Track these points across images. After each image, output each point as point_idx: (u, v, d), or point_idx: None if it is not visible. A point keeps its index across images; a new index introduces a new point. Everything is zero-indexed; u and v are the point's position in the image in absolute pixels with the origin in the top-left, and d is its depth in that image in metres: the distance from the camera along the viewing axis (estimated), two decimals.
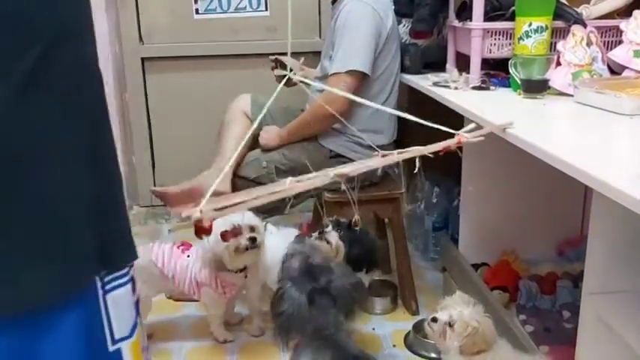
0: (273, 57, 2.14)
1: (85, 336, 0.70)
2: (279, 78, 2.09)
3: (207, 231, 0.73)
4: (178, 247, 1.86)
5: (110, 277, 0.74)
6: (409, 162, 2.20)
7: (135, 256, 0.80)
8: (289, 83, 2.21)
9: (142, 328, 0.85)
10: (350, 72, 1.85)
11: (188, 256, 1.84)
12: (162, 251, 1.83)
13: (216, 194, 2.19)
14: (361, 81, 1.88)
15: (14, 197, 0.63)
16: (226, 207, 0.69)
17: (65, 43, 0.66)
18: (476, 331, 1.34)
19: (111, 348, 0.74)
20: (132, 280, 0.79)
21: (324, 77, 1.97)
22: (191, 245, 1.88)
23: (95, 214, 0.70)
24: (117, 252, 0.75)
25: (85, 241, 0.69)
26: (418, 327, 1.84)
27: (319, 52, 2.20)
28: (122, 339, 0.75)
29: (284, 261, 1.47)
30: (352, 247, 1.66)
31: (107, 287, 0.73)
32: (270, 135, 2.03)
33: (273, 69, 2.09)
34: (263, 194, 0.69)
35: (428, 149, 0.90)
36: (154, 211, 2.69)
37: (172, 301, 2.13)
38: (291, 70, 2.14)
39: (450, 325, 1.37)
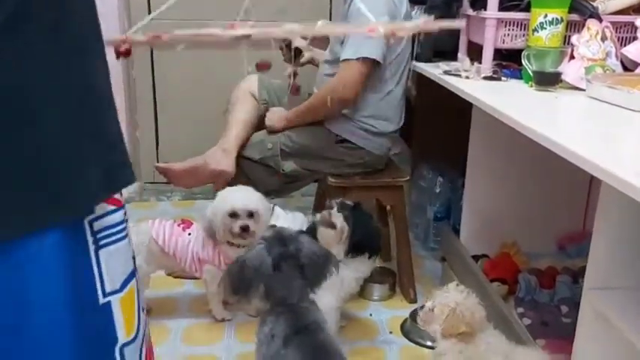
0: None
1: (72, 279, 0.70)
2: (288, 58, 2.07)
3: (125, 54, 0.84)
4: (179, 225, 1.86)
5: (104, 232, 0.73)
6: (414, 150, 2.21)
7: (132, 180, 0.79)
8: (297, 64, 2.21)
9: (140, 288, 0.85)
10: (362, 59, 1.83)
11: (189, 233, 1.84)
12: (162, 228, 1.83)
13: (220, 174, 2.21)
14: (373, 68, 1.86)
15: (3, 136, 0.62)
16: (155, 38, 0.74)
17: None
18: (453, 312, 1.35)
19: (101, 300, 0.74)
20: (129, 237, 0.79)
21: (334, 61, 1.96)
22: (192, 223, 1.88)
23: (90, 149, 0.70)
24: (113, 177, 0.74)
25: (74, 171, 0.68)
26: (415, 315, 1.84)
27: (329, 37, 2.18)
28: (112, 292, 0.75)
29: None
30: (356, 231, 1.66)
31: (101, 242, 0.73)
32: (275, 117, 2.02)
33: (281, 49, 2.07)
34: (188, 35, 0.74)
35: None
36: (156, 188, 2.69)
37: (171, 278, 2.13)
38: (299, 52, 2.14)
39: (432, 310, 1.40)
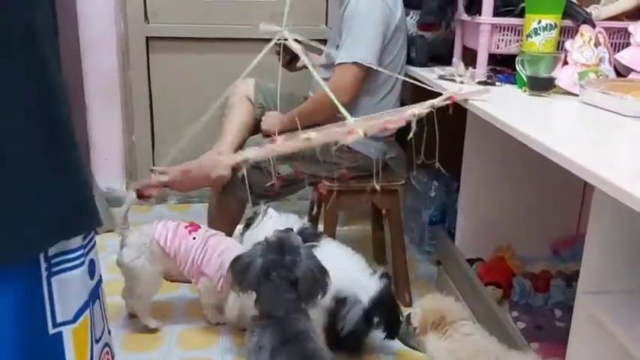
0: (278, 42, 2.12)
1: (19, 312, 0.68)
2: (285, 62, 2.08)
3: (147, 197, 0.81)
4: (186, 227, 1.84)
5: (59, 258, 0.70)
6: (410, 153, 2.20)
7: (94, 225, 0.76)
8: (293, 68, 2.21)
9: (101, 321, 0.82)
10: (356, 63, 1.84)
11: (194, 237, 1.82)
12: (166, 230, 1.82)
13: (216, 178, 2.19)
14: (366, 72, 1.87)
15: None
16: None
17: None
18: (422, 311, 1.42)
19: (51, 331, 0.71)
20: (89, 263, 0.75)
21: (329, 65, 1.96)
22: (199, 227, 1.87)
23: (45, 181, 0.67)
24: (74, 221, 0.72)
25: (28, 211, 0.66)
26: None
27: (325, 41, 2.19)
28: (64, 323, 0.72)
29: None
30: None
31: (54, 269, 0.70)
32: (272, 121, 2.02)
33: (277, 53, 2.08)
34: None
35: (421, 107, 0.97)
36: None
37: (167, 282, 2.13)
38: (295, 56, 2.15)
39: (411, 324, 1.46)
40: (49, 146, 0.68)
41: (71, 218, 0.72)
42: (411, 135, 1.22)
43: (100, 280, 0.82)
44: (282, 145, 1.22)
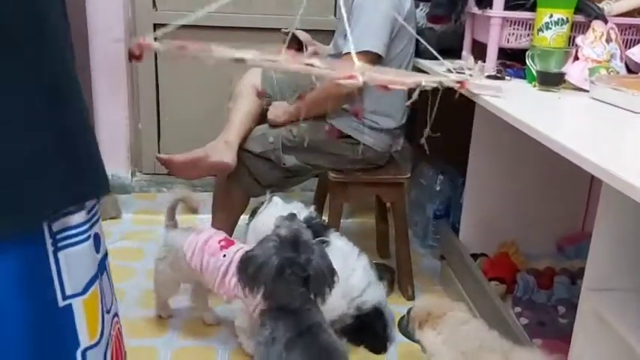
0: (285, 30, 2.12)
1: (26, 286, 0.68)
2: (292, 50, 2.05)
3: (138, 58, 0.79)
4: (219, 242, 1.67)
5: (64, 234, 0.71)
6: (415, 147, 2.18)
7: (99, 191, 0.76)
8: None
9: (110, 292, 0.83)
10: (364, 52, 1.83)
11: (224, 255, 1.63)
12: (195, 242, 1.68)
13: (221, 167, 2.18)
14: (375, 62, 1.86)
15: None
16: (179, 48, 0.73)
17: None
18: (412, 312, 1.47)
19: (61, 303, 0.72)
20: (94, 237, 0.76)
21: (337, 55, 1.95)
22: (233, 243, 1.69)
23: (52, 152, 0.68)
24: (75, 188, 0.72)
25: (29, 183, 0.66)
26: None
27: (333, 31, 2.18)
28: (74, 295, 0.73)
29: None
30: None
31: (60, 244, 0.71)
32: (278, 111, 2.01)
33: (284, 42, 2.06)
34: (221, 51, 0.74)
35: (428, 78, 0.94)
36: (157, 179, 2.68)
37: None
38: (302, 46, 2.14)
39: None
40: (50, 110, 0.68)
41: (72, 185, 0.71)
42: (408, 102, 1.21)
43: (105, 254, 0.83)
44: (285, 60, 1.18)
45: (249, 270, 1.32)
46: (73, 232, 0.72)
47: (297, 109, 1.96)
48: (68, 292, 0.72)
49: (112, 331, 0.83)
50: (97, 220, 0.78)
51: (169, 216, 1.79)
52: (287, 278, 1.30)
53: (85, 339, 0.75)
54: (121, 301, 1.99)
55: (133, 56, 1.19)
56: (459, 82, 1.31)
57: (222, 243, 1.67)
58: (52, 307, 0.71)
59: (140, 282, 2.08)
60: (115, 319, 0.86)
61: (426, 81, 1.21)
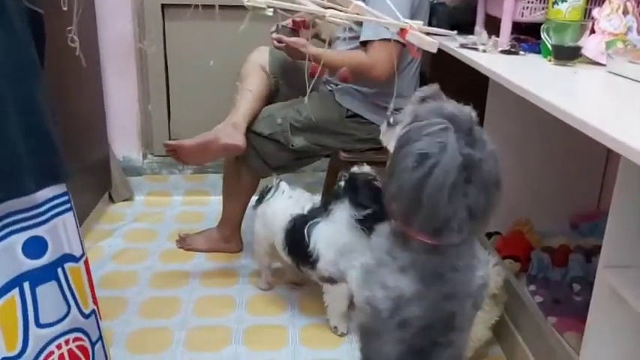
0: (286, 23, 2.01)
1: None
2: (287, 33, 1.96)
3: None
4: None
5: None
6: None
7: (13, 191, 0.70)
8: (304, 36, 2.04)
9: (61, 306, 0.75)
10: (385, 40, 1.78)
11: None
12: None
13: (231, 148, 2.15)
14: (400, 50, 1.81)
15: None
16: None
17: None
18: None
19: None
20: (25, 241, 0.71)
21: (352, 39, 1.91)
22: None
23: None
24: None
25: None
26: None
27: None
28: None
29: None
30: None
31: None
32: (303, 41, 1.84)
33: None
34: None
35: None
36: (168, 161, 2.68)
37: (183, 251, 2.14)
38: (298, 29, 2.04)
39: None
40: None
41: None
42: None
43: (61, 260, 0.76)
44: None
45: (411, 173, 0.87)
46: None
47: (319, 54, 1.82)
48: None
49: (52, 349, 0.75)
50: (17, 222, 0.72)
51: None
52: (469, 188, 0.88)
53: (2, 348, 0.69)
54: (133, 283, 2.03)
55: None
56: (401, 30, 1.25)
57: None
58: None
59: (153, 263, 2.10)
60: (69, 336, 0.78)
61: (332, 15, 1.13)
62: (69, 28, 1.01)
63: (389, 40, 1.76)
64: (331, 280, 1.67)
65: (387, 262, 0.98)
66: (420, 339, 0.98)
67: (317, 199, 1.84)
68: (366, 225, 1.58)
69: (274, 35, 1.86)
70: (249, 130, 1.96)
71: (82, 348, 0.80)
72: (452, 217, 0.89)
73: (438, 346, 0.99)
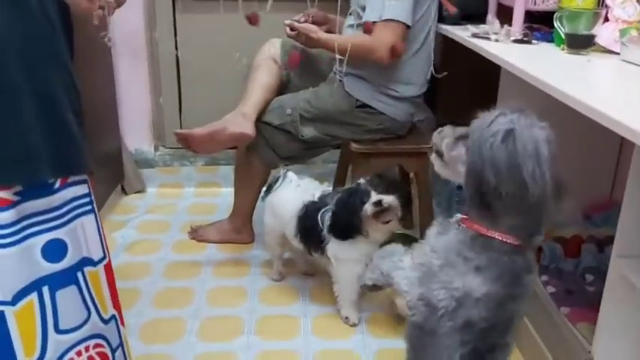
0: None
1: None
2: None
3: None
4: None
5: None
6: (439, 116, 2.13)
7: (26, 178, 0.68)
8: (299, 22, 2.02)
9: (81, 311, 0.73)
10: (391, 19, 1.77)
11: None
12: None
13: (241, 137, 2.16)
14: (406, 29, 1.81)
15: None
16: None
17: None
18: None
19: None
20: (44, 244, 0.68)
21: (357, 25, 1.91)
22: None
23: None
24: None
25: None
26: None
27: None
28: (3, 303, 0.67)
29: None
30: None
31: None
32: (314, 27, 1.87)
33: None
34: None
35: None
36: (180, 153, 2.70)
37: (194, 242, 2.16)
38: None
39: None
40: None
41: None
42: None
43: (80, 263, 0.74)
44: None
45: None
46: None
47: (329, 39, 1.84)
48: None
49: (72, 355, 0.73)
50: (36, 224, 0.70)
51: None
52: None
53: (20, 354, 0.68)
54: (146, 274, 2.06)
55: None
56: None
57: None
58: None
59: (165, 254, 2.11)
60: (89, 342, 0.76)
61: None
62: (103, 33, 1.02)
63: (392, 21, 1.75)
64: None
65: (457, 262, 1.00)
66: (481, 341, 0.99)
67: (326, 187, 1.84)
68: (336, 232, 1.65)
69: (287, 22, 1.87)
70: (260, 121, 1.96)
71: (102, 355, 0.78)
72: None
73: (497, 347, 1.01)
